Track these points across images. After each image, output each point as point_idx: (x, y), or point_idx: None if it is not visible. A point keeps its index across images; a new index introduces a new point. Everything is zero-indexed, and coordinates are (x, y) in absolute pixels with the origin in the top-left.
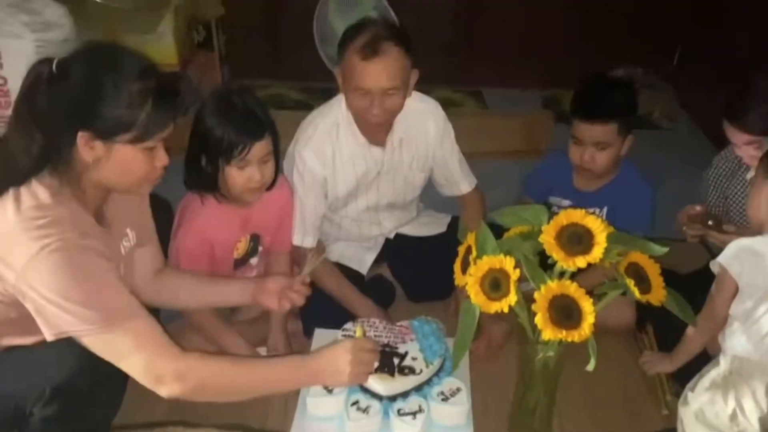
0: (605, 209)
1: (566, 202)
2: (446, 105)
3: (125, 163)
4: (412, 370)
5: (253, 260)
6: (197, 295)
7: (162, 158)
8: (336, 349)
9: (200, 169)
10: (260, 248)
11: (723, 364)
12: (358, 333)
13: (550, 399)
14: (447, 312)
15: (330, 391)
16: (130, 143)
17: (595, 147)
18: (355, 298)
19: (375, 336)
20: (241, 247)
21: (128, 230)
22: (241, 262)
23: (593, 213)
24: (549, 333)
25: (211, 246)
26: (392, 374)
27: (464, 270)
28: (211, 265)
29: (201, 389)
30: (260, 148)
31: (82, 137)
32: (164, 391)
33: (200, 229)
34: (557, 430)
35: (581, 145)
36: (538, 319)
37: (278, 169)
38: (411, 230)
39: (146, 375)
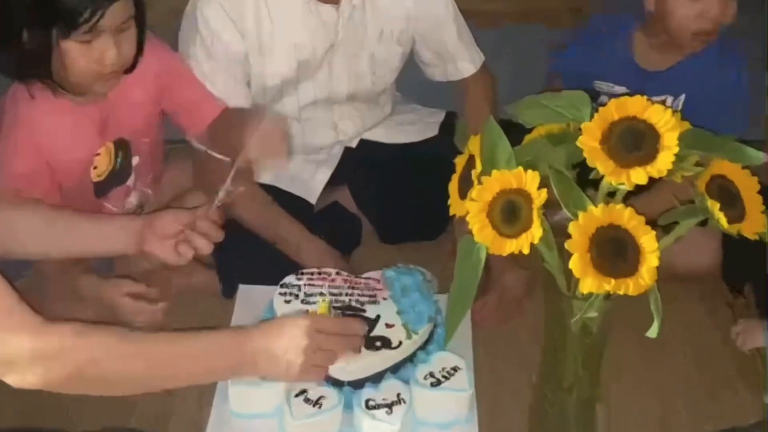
0: (682, 98)
1: (621, 89)
2: None
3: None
4: (386, 343)
5: (131, 181)
6: (46, 240)
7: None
8: (286, 329)
9: (20, 45)
10: (135, 161)
11: None
12: (322, 309)
13: (590, 381)
14: (438, 257)
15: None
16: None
17: None
18: (298, 239)
19: (333, 295)
20: (102, 163)
21: None
22: (109, 186)
23: (662, 102)
24: (591, 282)
25: (54, 163)
26: (356, 350)
27: (464, 193)
28: (60, 192)
29: (74, 378)
30: (117, 10)
31: None
32: (14, 378)
33: (34, 138)
34: (602, 426)
35: None
36: (575, 263)
37: (143, 40)
38: (383, 135)
39: None
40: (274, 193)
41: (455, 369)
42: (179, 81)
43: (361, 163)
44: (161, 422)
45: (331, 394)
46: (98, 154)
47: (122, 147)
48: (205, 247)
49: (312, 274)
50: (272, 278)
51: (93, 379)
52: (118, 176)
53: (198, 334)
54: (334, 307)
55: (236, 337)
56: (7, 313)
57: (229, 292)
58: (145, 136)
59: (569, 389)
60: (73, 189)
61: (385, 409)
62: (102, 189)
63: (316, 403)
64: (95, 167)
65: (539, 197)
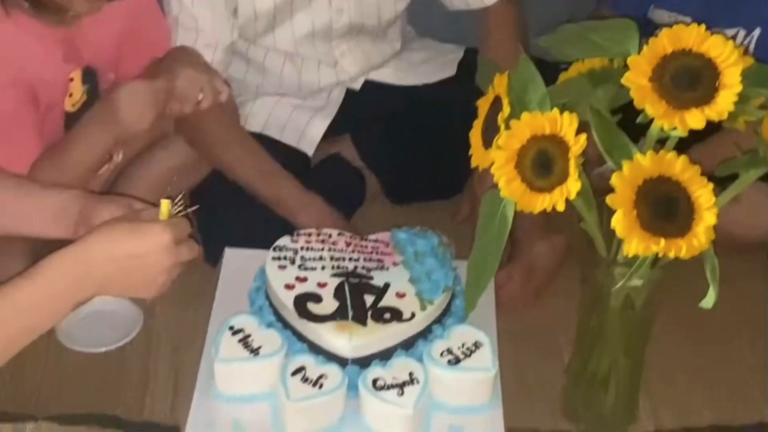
0: (756, 32)
1: (685, 19)
2: None
3: None
4: (396, 315)
5: None
6: None
7: None
8: (145, 239)
9: None
10: (103, 91)
11: None
12: (164, 213)
13: (634, 362)
14: (455, 219)
15: (254, 351)
16: None
17: None
18: (292, 196)
19: (334, 260)
20: (77, 90)
21: None
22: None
23: (733, 36)
24: (636, 244)
25: (33, 92)
26: (362, 322)
27: (488, 141)
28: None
29: None
30: None
31: None
32: None
33: (11, 60)
34: (646, 415)
35: None
36: (619, 221)
37: None
38: (392, 76)
39: None
40: (266, 142)
41: (476, 345)
42: (149, 20)
43: (365, 109)
44: (135, 407)
45: (333, 372)
46: (72, 80)
47: (90, 77)
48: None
49: (309, 235)
50: (263, 241)
51: None
52: (87, 109)
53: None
54: (334, 275)
55: (73, 250)
56: None
57: (213, 258)
58: (111, 71)
59: (606, 377)
60: (46, 123)
61: (396, 390)
62: (73, 122)
63: (316, 382)
64: (70, 94)
65: (577, 144)
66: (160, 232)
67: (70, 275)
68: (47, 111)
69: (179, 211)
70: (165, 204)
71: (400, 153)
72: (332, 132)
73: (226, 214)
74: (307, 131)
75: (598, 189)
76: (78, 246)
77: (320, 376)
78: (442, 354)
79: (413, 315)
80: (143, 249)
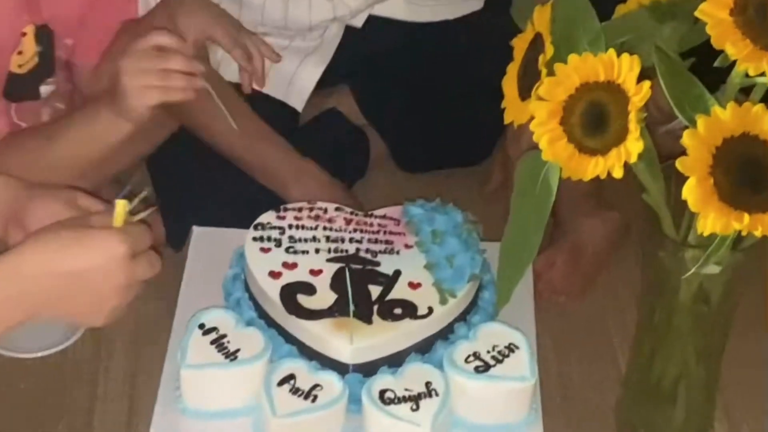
0: None
1: None
2: None
3: None
4: (409, 310)
5: (45, 88)
6: None
7: None
8: (95, 246)
9: None
10: (57, 57)
11: None
12: (119, 215)
13: (709, 370)
14: (484, 189)
15: (231, 356)
16: None
17: None
18: (282, 162)
19: (331, 241)
20: (28, 49)
21: None
22: (25, 87)
23: None
24: (713, 220)
25: None
26: (367, 319)
27: (526, 90)
28: None
29: None
30: None
31: None
32: None
33: None
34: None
35: None
36: (692, 191)
37: None
38: (402, 10)
39: None
40: (240, 95)
41: (510, 348)
42: None
43: (369, 52)
44: (82, 423)
45: (329, 382)
46: (24, 34)
47: (45, 38)
48: None
49: (300, 210)
50: (241, 219)
51: None
52: (37, 75)
53: None
54: (331, 260)
55: (3, 262)
56: None
57: (178, 239)
58: (69, 36)
59: (674, 389)
60: None
61: (409, 405)
62: (17, 87)
63: (309, 394)
64: (20, 52)
65: (639, 95)
66: (113, 242)
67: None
68: None
69: (138, 212)
70: (121, 205)
71: (411, 107)
72: (327, 81)
73: (193, 186)
74: (295, 80)
75: (665, 151)
76: (9, 258)
77: (314, 387)
78: (467, 359)
79: (430, 310)
80: (89, 263)
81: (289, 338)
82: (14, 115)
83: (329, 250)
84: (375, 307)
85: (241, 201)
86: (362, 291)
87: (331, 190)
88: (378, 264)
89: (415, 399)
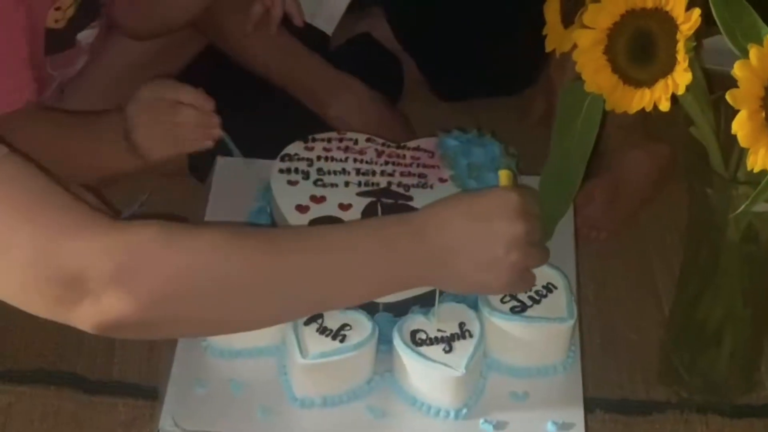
0: None
1: None
2: None
3: None
4: None
5: (83, 35)
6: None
7: None
8: (487, 206)
9: None
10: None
11: None
12: (504, 180)
13: (756, 312)
14: (525, 120)
15: None
16: None
17: None
18: (321, 78)
19: (361, 174)
20: (65, 1)
21: None
22: (62, 43)
23: None
24: (765, 156)
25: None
26: None
27: (569, 17)
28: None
29: (171, 301)
30: None
31: None
32: (88, 313)
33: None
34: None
35: None
36: (743, 124)
37: None
38: None
39: (41, 278)
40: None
41: (549, 288)
42: None
43: None
44: (100, 363)
45: (359, 322)
46: None
47: None
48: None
49: (329, 140)
50: (269, 147)
51: (195, 306)
52: (76, 24)
53: (339, 226)
54: (361, 194)
55: (395, 225)
56: (66, 209)
57: (200, 170)
58: None
59: (719, 332)
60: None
61: (443, 346)
62: (54, 42)
63: (337, 334)
64: (58, 8)
65: (689, 22)
66: (506, 190)
67: (390, 263)
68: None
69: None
70: (504, 175)
71: (448, 32)
72: (360, 3)
73: (220, 113)
74: (325, 3)
75: (714, 81)
76: (410, 222)
77: (342, 327)
78: (503, 299)
79: None
80: (490, 201)
81: None
82: (48, 66)
83: (359, 184)
84: None
85: (271, 127)
86: None
87: (373, 108)
88: (411, 198)
89: (449, 340)
